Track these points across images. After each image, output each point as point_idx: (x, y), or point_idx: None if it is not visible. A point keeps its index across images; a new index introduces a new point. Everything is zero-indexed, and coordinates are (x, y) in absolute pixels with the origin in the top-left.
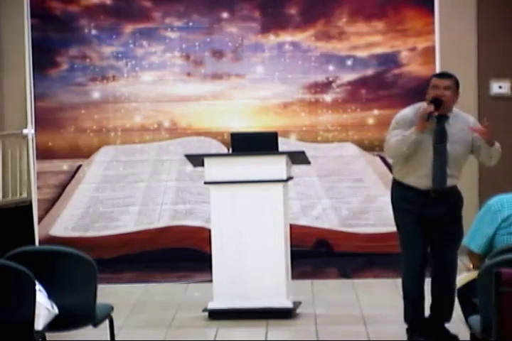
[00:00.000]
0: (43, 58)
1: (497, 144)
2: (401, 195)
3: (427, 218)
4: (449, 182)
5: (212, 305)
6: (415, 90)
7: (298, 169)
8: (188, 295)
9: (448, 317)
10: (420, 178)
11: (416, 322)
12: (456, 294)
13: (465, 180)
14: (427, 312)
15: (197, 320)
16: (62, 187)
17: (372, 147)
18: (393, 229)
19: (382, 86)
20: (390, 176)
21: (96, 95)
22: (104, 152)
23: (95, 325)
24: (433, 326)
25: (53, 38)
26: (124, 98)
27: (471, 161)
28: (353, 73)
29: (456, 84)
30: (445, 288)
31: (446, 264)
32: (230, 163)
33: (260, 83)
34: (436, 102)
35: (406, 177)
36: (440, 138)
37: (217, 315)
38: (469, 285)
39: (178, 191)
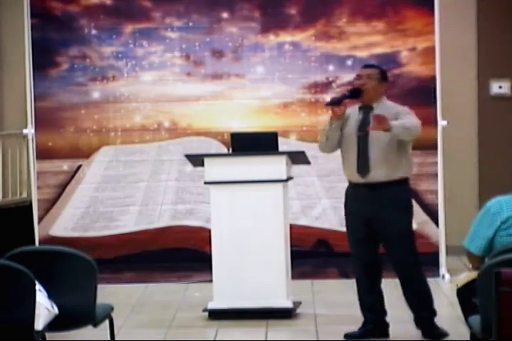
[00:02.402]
0: (43, 58)
1: (396, 123)
2: (346, 192)
3: (370, 218)
4: (380, 174)
5: (212, 305)
6: (415, 90)
7: (298, 169)
8: (188, 295)
9: (430, 313)
10: (351, 170)
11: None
12: (426, 289)
13: (465, 179)
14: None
15: (197, 320)
16: (62, 187)
17: None
18: None
19: None
20: None
21: (96, 95)
22: (104, 152)
23: (95, 325)
24: (421, 324)
25: (53, 38)
26: (124, 98)
27: (471, 161)
28: (353, 73)
29: (382, 74)
30: (409, 287)
31: (398, 264)
32: (230, 163)
33: (260, 83)
34: (355, 92)
35: (345, 172)
36: (361, 126)
37: (217, 315)
38: (469, 285)
39: (178, 191)
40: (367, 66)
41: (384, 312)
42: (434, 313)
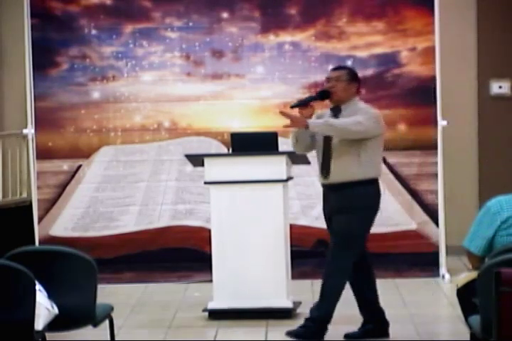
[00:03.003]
0: (43, 58)
1: (318, 121)
2: None
3: (331, 218)
4: (339, 175)
5: (212, 305)
6: (415, 90)
7: (298, 169)
8: (188, 295)
9: (318, 314)
10: (318, 172)
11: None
12: (331, 294)
13: (465, 179)
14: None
15: (197, 320)
16: (62, 187)
17: None
18: (393, 228)
19: (382, 86)
20: (389, 176)
21: (96, 95)
22: (104, 152)
23: (95, 325)
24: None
25: (53, 38)
26: (124, 98)
27: (471, 161)
28: None
29: (351, 75)
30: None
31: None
32: (230, 163)
33: (260, 83)
34: (323, 94)
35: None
36: None
37: (217, 315)
38: (469, 285)
39: (178, 191)
40: (335, 68)
41: (380, 312)
42: (321, 317)
